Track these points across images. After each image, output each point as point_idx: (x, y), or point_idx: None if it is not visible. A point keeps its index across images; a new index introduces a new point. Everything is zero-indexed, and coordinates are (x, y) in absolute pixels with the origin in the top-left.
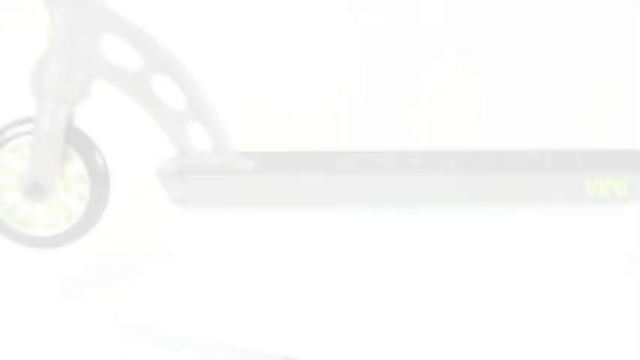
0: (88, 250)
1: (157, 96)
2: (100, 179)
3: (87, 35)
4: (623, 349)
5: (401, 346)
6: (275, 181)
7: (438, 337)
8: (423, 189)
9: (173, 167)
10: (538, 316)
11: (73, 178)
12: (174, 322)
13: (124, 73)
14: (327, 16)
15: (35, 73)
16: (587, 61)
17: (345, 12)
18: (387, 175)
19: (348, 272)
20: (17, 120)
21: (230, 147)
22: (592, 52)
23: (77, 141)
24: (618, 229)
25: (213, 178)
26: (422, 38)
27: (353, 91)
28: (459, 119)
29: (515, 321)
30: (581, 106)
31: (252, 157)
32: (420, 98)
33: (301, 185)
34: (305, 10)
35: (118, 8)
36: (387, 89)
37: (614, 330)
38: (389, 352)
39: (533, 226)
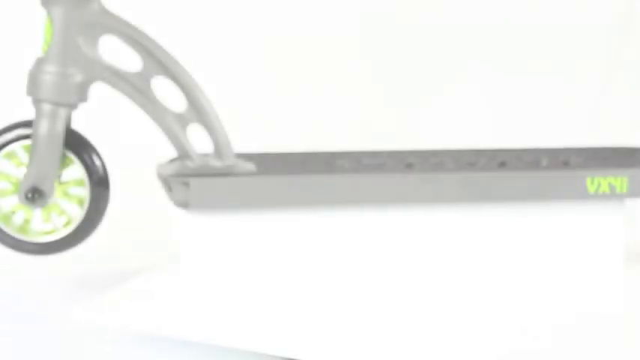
0: (88, 254)
1: (157, 98)
2: (99, 183)
3: (85, 36)
4: (623, 348)
5: (402, 346)
6: (278, 182)
7: (438, 336)
8: (422, 188)
9: (175, 170)
10: (539, 315)
11: (72, 183)
12: (177, 326)
13: (124, 74)
14: (328, 17)
15: (32, 76)
16: (587, 59)
17: (346, 13)
18: (387, 175)
19: (356, 273)
20: (12, 124)
21: (231, 149)
22: (591, 50)
23: (75, 144)
24: (618, 227)
25: (215, 181)
26: (422, 37)
27: (353, 91)
28: (459, 118)
29: (516, 320)
30: (581, 104)
31: (252, 159)
32: (420, 97)
33: (303, 186)
34: (306, 11)
35: (117, 9)
36: (386, 89)
37: (615, 329)
38: (390, 353)
39: (535, 224)
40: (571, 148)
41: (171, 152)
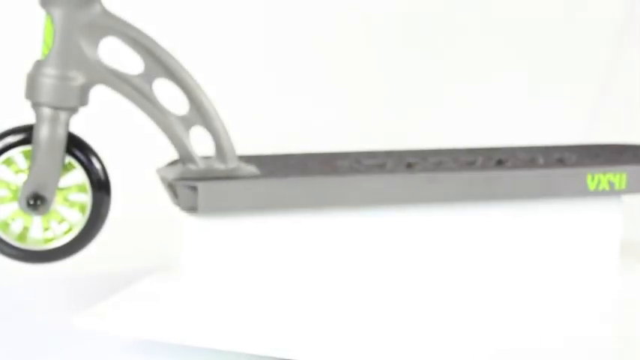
0: (86, 256)
1: (159, 101)
2: (100, 189)
3: (87, 38)
4: (623, 344)
5: (404, 346)
6: (287, 184)
7: (439, 337)
8: (430, 188)
9: (179, 174)
10: (543, 309)
11: (72, 189)
12: (181, 333)
13: (126, 77)
14: (329, 18)
15: (32, 79)
16: (585, 57)
17: (346, 14)
18: (399, 176)
19: (364, 275)
20: (10, 130)
21: (234, 151)
22: (589, 47)
23: (75, 149)
24: (616, 223)
25: (224, 184)
26: (421, 36)
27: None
28: (458, 117)
29: (521, 314)
30: (579, 102)
31: (251, 161)
32: (418, 96)
33: (313, 188)
34: (305, 12)
35: (119, 11)
36: (381, 89)
37: (614, 326)
38: (393, 354)
39: (536, 222)
40: (563, 146)
41: (163, 154)
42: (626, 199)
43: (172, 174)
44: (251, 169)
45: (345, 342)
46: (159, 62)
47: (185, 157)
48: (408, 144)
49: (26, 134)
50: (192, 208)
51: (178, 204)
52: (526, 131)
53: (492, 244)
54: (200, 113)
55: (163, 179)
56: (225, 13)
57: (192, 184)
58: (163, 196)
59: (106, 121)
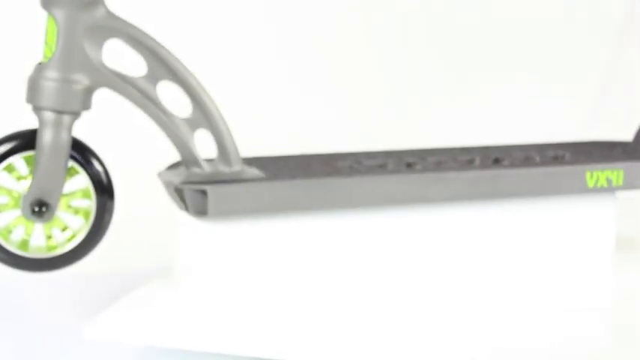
0: (90, 261)
1: (163, 103)
2: (104, 194)
3: (91, 40)
4: (622, 341)
5: (409, 346)
6: (296, 186)
7: (442, 336)
8: (437, 187)
9: (185, 178)
10: (540, 309)
11: (75, 195)
12: (186, 339)
13: (130, 80)
14: (329, 18)
15: (34, 82)
16: (585, 57)
17: (347, 13)
18: (411, 176)
19: (374, 278)
20: (10, 135)
21: (238, 154)
22: (589, 47)
23: (78, 153)
24: (612, 218)
25: (232, 188)
26: (415, 37)
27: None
28: (458, 117)
29: (519, 315)
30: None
31: (251, 163)
32: (417, 96)
33: (322, 190)
34: (305, 12)
35: (122, 13)
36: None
37: (613, 324)
38: (396, 354)
39: (536, 219)
40: (555, 143)
41: (160, 156)
42: (621, 195)
43: (178, 178)
44: (255, 171)
45: (349, 343)
46: (162, 64)
47: (189, 160)
48: (408, 144)
49: (28, 139)
50: (201, 212)
51: (185, 208)
52: (524, 131)
53: (493, 242)
54: (204, 115)
55: (168, 183)
56: (226, 16)
57: (201, 188)
58: (163, 198)
59: (102, 122)
